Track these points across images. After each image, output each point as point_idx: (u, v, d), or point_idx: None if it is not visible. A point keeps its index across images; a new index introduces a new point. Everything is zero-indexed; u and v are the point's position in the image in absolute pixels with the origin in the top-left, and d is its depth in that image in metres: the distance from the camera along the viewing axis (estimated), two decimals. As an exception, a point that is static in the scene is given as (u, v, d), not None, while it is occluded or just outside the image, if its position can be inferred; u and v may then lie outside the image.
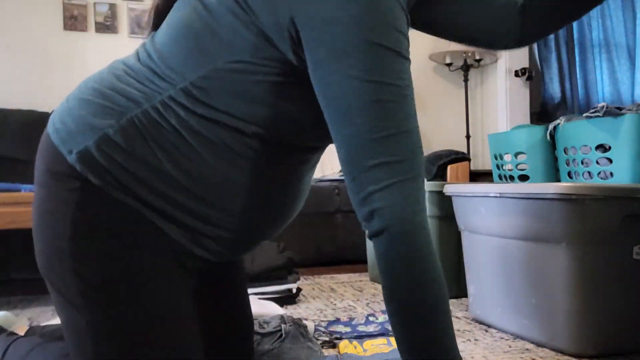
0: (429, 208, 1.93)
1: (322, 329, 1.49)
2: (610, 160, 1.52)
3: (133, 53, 0.85)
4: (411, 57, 3.83)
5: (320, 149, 0.88)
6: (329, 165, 3.24)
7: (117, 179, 0.76)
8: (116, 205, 0.77)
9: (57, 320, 1.43)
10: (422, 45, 3.72)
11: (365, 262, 2.60)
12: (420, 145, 0.70)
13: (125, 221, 0.77)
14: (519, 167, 1.87)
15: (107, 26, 3.06)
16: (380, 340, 1.34)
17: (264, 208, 0.83)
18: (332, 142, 0.79)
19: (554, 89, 3.83)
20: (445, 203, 1.87)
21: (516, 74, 3.54)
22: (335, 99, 0.68)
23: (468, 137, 3.58)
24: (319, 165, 3.21)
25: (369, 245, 2.42)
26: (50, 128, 0.83)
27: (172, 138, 0.76)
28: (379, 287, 2.21)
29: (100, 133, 0.77)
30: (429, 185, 1.93)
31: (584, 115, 1.58)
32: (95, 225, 0.77)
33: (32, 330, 1.28)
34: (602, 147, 1.55)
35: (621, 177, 1.48)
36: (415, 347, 0.68)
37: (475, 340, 1.44)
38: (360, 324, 1.57)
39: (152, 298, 0.78)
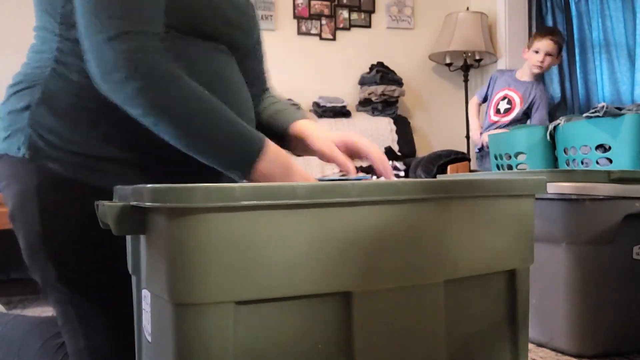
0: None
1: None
2: (610, 160, 1.52)
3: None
4: (411, 57, 3.84)
5: (227, 46, 0.87)
6: (329, 164, 3.24)
7: (66, 149, 0.79)
8: (74, 185, 0.79)
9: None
10: (422, 45, 3.72)
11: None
12: None
13: (83, 195, 0.79)
14: (519, 167, 1.87)
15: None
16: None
17: None
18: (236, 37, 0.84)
19: (554, 89, 3.83)
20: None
21: (516, 74, 3.54)
22: None
23: (468, 137, 3.58)
24: (319, 165, 3.21)
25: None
26: None
27: (87, 78, 0.77)
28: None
29: (27, 115, 0.80)
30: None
31: (584, 115, 1.58)
32: (60, 209, 0.79)
33: None
34: (602, 147, 1.55)
35: (621, 177, 1.48)
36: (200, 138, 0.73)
37: (475, 340, 1.44)
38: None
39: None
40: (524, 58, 2.86)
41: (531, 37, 2.90)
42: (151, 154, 0.81)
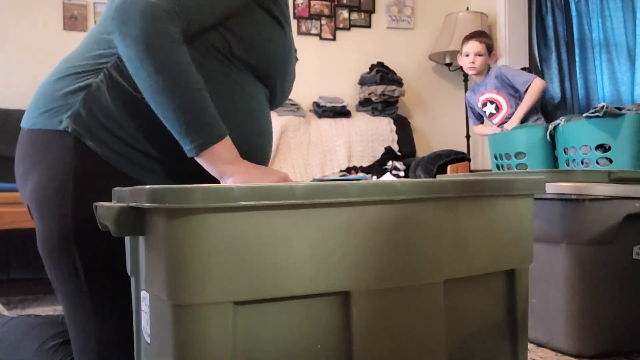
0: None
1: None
2: (610, 160, 1.52)
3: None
4: (411, 57, 3.84)
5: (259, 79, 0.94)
6: (329, 165, 3.24)
7: (113, 133, 0.82)
8: (110, 170, 0.81)
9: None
10: (422, 45, 3.72)
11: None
12: None
13: (118, 183, 0.80)
14: (519, 167, 1.87)
15: (107, 26, 3.06)
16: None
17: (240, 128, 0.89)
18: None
19: (554, 89, 3.83)
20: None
21: (516, 74, 3.54)
22: None
23: (468, 137, 3.57)
24: (319, 165, 3.21)
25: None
26: (28, 122, 0.87)
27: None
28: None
29: (83, 94, 0.83)
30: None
31: (584, 115, 1.58)
32: (94, 195, 0.79)
33: None
34: (602, 147, 1.55)
35: (621, 177, 1.48)
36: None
37: (475, 340, 1.44)
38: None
39: None
40: (460, 65, 3.01)
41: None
42: (187, 162, 0.83)
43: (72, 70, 0.87)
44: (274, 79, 0.95)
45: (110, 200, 0.76)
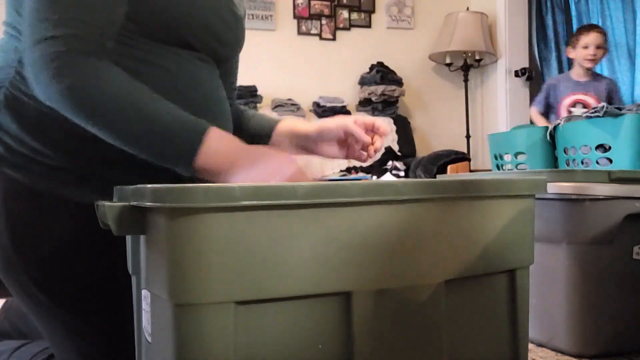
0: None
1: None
2: (610, 160, 1.52)
3: None
4: (411, 57, 3.84)
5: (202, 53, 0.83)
6: (329, 164, 3.24)
7: (31, 158, 0.74)
8: (39, 195, 0.75)
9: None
10: (422, 45, 3.72)
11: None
12: None
13: (53, 207, 0.76)
14: (519, 167, 1.87)
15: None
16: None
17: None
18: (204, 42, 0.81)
19: (554, 89, 3.83)
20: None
21: (516, 74, 3.54)
22: None
23: (468, 137, 3.58)
24: (319, 165, 3.21)
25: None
26: None
27: None
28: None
29: None
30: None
31: (584, 115, 1.58)
32: (30, 224, 0.75)
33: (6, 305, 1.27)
34: (602, 147, 1.55)
35: (621, 177, 1.48)
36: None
37: (476, 340, 1.44)
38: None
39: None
40: (570, 57, 2.86)
41: (573, 36, 2.89)
42: (122, 167, 0.77)
43: None
44: (194, 32, 0.80)
45: (51, 225, 0.75)
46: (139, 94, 0.71)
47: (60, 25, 0.69)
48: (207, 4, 0.81)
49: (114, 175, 0.76)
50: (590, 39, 2.73)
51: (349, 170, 3.22)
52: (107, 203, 0.56)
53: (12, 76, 0.77)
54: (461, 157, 2.97)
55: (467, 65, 3.58)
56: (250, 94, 3.21)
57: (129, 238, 0.66)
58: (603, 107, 1.50)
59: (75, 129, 0.72)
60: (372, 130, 0.96)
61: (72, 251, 0.77)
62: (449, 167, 2.90)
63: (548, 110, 2.91)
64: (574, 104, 2.79)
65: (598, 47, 2.74)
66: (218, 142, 0.72)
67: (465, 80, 3.62)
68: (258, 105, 3.27)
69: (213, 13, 0.82)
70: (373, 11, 3.67)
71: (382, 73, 3.42)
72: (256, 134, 0.99)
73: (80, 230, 0.76)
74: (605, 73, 3.77)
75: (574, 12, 3.92)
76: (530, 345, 1.38)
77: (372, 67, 3.53)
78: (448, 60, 3.63)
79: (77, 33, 0.70)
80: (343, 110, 3.37)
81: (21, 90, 0.76)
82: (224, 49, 0.86)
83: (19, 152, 0.75)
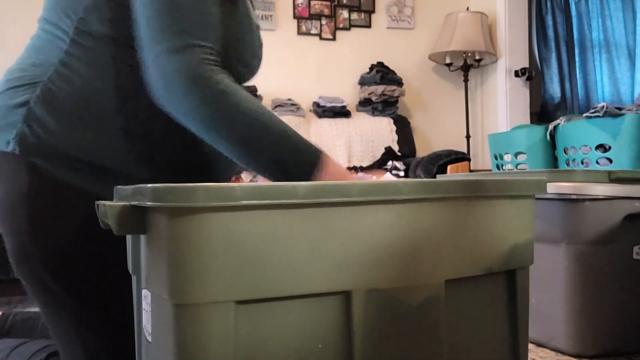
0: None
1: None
2: (610, 160, 1.52)
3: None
4: (411, 57, 3.84)
5: None
6: (329, 165, 3.24)
7: (60, 149, 0.77)
8: (65, 188, 0.78)
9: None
10: (422, 45, 3.72)
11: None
12: None
13: (76, 200, 0.78)
14: (519, 167, 1.87)
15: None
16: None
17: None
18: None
19: (554, 89, 3.83)
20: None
21: (516, 74, 3.54)
22: None
23: (468, 137, 3.58)
24: (319, 165, 3.20)
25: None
26: None
27: (91, 86, 0.79)
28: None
29: (23, 111, 0.78)
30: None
31: (584, 115, 1.58)
32: (51, 215, 0.78)
33: (4, 317, 1.28)
34: (602, 147, 1.55)
35: (621, 177, 1.48)
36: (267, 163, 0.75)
37: (475, 340, 1.44)
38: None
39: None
40: None
41: None
42: (155, 168, 0.81)
43: (12, 83, 0.82)
44: (235, 67, 0.86)
45: (73, 219, 0.77)
46: (264, 113, 0.75)
47: (192, 34, 0.72)
48: (251, 46, 0.89)
49: (144, 174, 0.80)
50: None
51: (349, 170, 3.22)
52: (107, 202, 0.56)
53: (50, 74, 0.80)
54: (461, 157, 2.97)
55: (467, 65, 3.58)
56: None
57: (129, 238, 0.66)
58: (603, 107, 1.50)
59: (108, 126, 0.77)
60: None
61: (88, 244, 0.78)
62: (449, 167, 2.90)
63: None
64: None
65: None
66: (329, 163, 0.78)
67: (465, 80, 3.62)
68: (258, 105, 3.26)
69: (251, 54, 0.90)
70: (373, 11, 3.67)
71: (382, 73, 3.42)
72: None
73: (97, 225, 0.78)
74: (605, 73, 3.78)
75: (574, 12, 3.91)
76: (530, 345, 1.38)
77: (372, 67, 3.53)
78: (448, 60, 3.63)
79: (206, 45, 0.74)
80: (343, 111, 3.37)
81: (61, 88, 0.79)
82: (247, 73, 0.93)
83: (50, 145, 0.78)
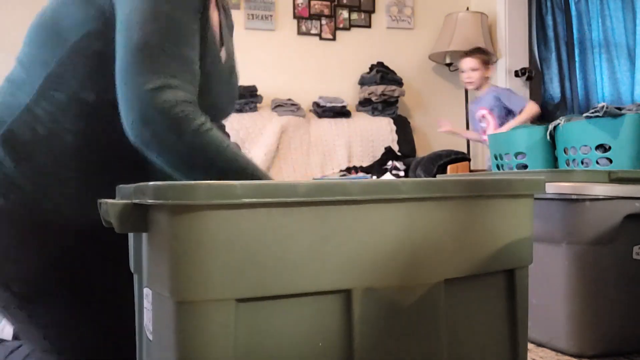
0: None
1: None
2: (610, 160, 1.52)
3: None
4: (411, 57, 3.84)
5: None
6: (329, 165, 3.24)
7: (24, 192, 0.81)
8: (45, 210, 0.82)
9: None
10: (422, 45, 3.72)
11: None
12: None
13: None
14: (519, 167, 1.87)
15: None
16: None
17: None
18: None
19: (554, 89, 3.83)
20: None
21: (516, 74, 3.54)
22: None
23: (468, 137, 3.58)
24: (319, 165, 3.20)
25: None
26: None
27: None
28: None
29: None
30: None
31: (584, 115, 1.58)
32: (12, 246, 0.81)
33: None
34: (602, 147, 1.55)
35: (621, 177, 1.48)
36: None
37: (475, 339, 1.44)
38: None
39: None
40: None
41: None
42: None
43: None
44: (210, 110, 0.90)
45: (30, 247, 0.80)
46: (233, 157, 0.80)
47: (174, 77, 0.76)
48: (228, 92, 0.95)
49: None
50: (463, 64, 2.99)
51: (348, 170, 3.22)
52: (109, 201, 0.56)
53: (15, 116, 0.83)
54: (461, 157, 2.97)
55: (467, 66, 3.58)
56: (250, 94, 3.21)
57: (131, 236, 0.66)
58: (603, 107, 1.50)
59: (67, 161, 0.81)
60: None
61: (54, 271, 0.82)
62: (448, 167, 2.90)
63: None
64: (481, 119, 3.00)
65: (472, 70, 2.96)
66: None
67: (465, 81, 3.62)
68: (258, 105, 3.27)
69: (229, 99, 0.97)
70: (373, 11, 3.67)
71: (382, 73, 3.42)
72: None
73: (61, 253, 0.83)
74: (605, 73, 3.78)
75: (574, 12, 3.91)
76: (530, 345, 1.38)
77: (372, 67, 3.54)
78: (448, 60, 3.63)
79: (188, 87, 0.78)
80: (343, 111, 3.37)
81: (22, 132, 0.82)
82: (225, 117, 1.01)
83: (5, 182, 0.81)
